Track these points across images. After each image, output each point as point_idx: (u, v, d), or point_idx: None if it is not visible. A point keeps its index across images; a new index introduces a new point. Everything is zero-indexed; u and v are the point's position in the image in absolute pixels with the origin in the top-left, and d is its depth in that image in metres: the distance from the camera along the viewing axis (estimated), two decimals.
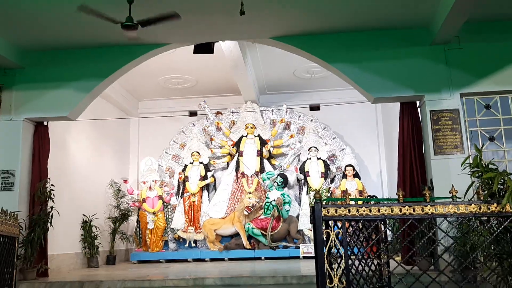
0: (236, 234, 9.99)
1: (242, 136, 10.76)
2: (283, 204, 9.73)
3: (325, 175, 10.18)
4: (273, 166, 10.71)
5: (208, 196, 10.63)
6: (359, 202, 4.14)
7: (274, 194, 9.89)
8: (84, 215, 9.12)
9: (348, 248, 3.97)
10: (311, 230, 9.42)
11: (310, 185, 10.08)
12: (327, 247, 3.91)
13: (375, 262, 4.27)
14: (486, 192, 4.08)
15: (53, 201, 7.24)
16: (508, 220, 3.89)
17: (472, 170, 4.55)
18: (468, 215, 3.96)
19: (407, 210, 3.95)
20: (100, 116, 9.76)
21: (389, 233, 7.32)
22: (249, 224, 9.79)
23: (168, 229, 10.26)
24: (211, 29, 6.99)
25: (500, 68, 6.78)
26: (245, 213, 9.83)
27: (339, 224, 3.99)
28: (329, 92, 11.37)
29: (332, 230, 3.95)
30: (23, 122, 7.27)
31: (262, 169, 10.49)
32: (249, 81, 10.04)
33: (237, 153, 10.68)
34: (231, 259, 9.69)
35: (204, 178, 10.47)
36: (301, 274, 6.35)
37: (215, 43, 7.89)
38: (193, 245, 10.17)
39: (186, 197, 10.35)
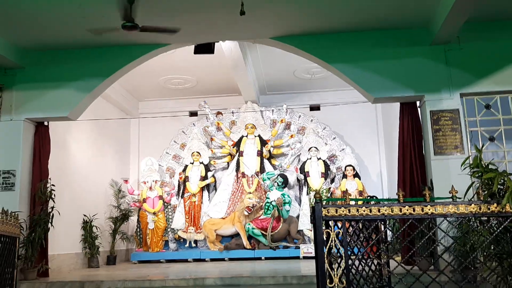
0: (237, 234, 9.99)
1: (243, 136, 10.77)
2: (283, 204, 9.73)
3: (325, 175, 10.18)
4: (273, 166, 10.71)
5: (209, 196, 10.64)
6: (359, 202, 4.14)
7: (274, 194, 9.90)
8: (84, 215, 9.12)
9: (348, 248, 3.98)
10: (311, 230, 9.42)
11: (310, 185, 10.08)
12: (327, 247, 3.91)
13: (375, 262, 4.27)
14: (486, 192, 4.08)
15: (53, 201, 7.25)
16: (508, 220, 3.89)
17: (472, 170, 4.55)
18: (468, 215, 3.96)
19: (407, 210, 3.96)
20: (100, 116, 9.77)
21: (389, 233, 7.33)
22: (249, 224, 9.80)
23: (169, 229, 10.27)
24: (211, 29, 7.00)
25: (500, 68, 6.79)
26: (246, 213, 9.83)
27: (339, 224, 3.99)
28: (329, 92, 11.37)
29: (332, 230, 3.96)
30: (23, 122, 7.28)
31: (262, 169, 10.50)
32: (250, 81, 10.04)
33: (238, 153, 10.68)
34: (231, 259, 9.69)
35: (204, 178, 10.48)
36: (301, 274, 6.36)
37: (216, 43, 7.89)
38: (194, 245, 10.18)
39: (187, 197, 10.36)
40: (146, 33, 6.40)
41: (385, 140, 11.16)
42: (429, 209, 3.94)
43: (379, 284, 4.23)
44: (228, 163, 10.95)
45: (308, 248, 9.23)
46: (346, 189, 9.73)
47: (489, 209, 3.91)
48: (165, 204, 10.35)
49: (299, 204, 10.33)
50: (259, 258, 9.59)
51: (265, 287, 6.12)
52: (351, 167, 10.00)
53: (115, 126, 10.86)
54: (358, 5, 6.39)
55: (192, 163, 10.60)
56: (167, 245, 10.26)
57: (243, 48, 8.66)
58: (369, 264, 4.18)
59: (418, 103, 7.17)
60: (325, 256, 3.88)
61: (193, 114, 11.84)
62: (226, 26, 6.88)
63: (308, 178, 10.17)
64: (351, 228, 4.10)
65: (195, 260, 9.85)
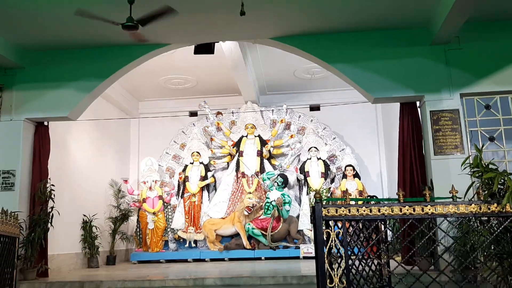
0: (236, 234, 9.99)
1: (242, 136, 10.77)
2: (283, 204, 9.73)
3: (325, 175, 10.18)
4: (273, 166, 10.71)
5: (208, 196, 10.64)
6: (360, 202, 4.14)
7: (274, 194, 9.89)
8: (84, 215, 9.12)
9: (349, 248, 3.97)
10: (311, 230, 9.42)
11: (310, 185, 10.08)
12: (327, 247, 3.91)
13: (376, 262, 4.27)
14: (486, 192, 4.08)
15: (53, 201, 7.24)
16: (508, 220, 3.89)
17: (472, 170, 4.55)
18: (468, 215, 3.96)
19: (407, 210, 3.95)
20: (100, 116, 9.77)
21: (389, 233, 7.33)
22: (249, 224, 9.79)
23: (168, 229, 10.27)
24: (211, 30, 7.00)
25: (500, 68, 6.79)
26: (245, 213, 9.83)
27: (339, 224, 3.99)
28: (329, 93, 11.37)
29: (333, 230, 3.95)
30: (23, 122, 7.28)
31: (262, 169, 10.50)
32: (249, 82, 10.04)
33: (237, 153, 10.68)
34: (231, 259, 9.69)
35: (204, 178, 10.48)
36: (301, 274, 6.36)
37: (216, 44, 7.89)
38: (193, 245, 10.18)
39: (186, 197, 10.36)
40: (147, 34, 6.38)
41: (385, 140, 11.17)
42: (429, 209, 3.94)
43: (379, 284, 4.22)
44: (228, 163, 10.94)
45: (308, 248, 9.23)
46: (346, 189, 9.73)
47: (489, 209, 3.90)
48: (165, 204, 10.34)
49: (299, 204, 10.33)
50: (259, 258, 9.59)
51: (265, 287, 6.11)
52: (351, 167, 10.00)
53: (115, 126, 10.86)
54: (358, 5, 6.39)
55: (192, 163, 10.60)
56: (167, 245, 10.26)
57: (243, 48, 8.66)
58: (369, 264, 4.18)
59: (418, 103, 7.17)
60: (325, 256, 3.88)
61: (193, 114, 11.85)
62: (226, 26, 6.88)
63: (308, 178, 10.17)
64: (351, 228, 4.10)
65: (195, 260, 9.85)
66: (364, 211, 3.97)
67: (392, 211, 3.96)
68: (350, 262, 3.93)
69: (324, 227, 3.94)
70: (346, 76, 7.14)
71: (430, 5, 6.38)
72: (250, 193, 10.10)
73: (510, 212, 3.87)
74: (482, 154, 4.53)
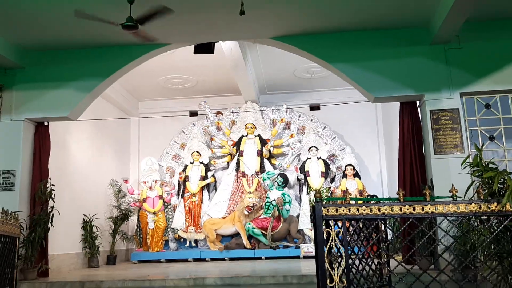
0: (237, 234, 10.00)
1: (243, 136, 10.77)
2: (284, 203, 9.74)
3: (325, 174, 10.18)
4: (274, 165, 10.72)
5: (209, 196, 10.64)
6: (360, 202, 4.14)
7: (275, 193, 9.90)
8: (84, 215, 9.12)
9: (349, 247, 3.98)
10: (311, 230, 9.42)
11: (310, 184, 10.08)
12: (328, 247, 3.92)
13: (376, 261, 4.28)
14: (486, 191, 4.08)
15: (53, 201, 7.25)
16: (508, 219, 3.89)
17: (472, 170, 4.56)
18: (468, 214, 3.96)
19: (408, 209, 3.96)
20: (100, 116, 9.77)
21: (389, 232, 7.33)
22: (249, 223, 9.80)
23: (169, 229, 10.27)
24: (211, 29, 7.00)
25: (500, 68, 6.79)
26: (246, 212, 9.84)
27: (340, 224, 3.99)
28: (329, 92, 11.37)
29: (333, 230, 3.96)
30: (23, 122, 7.28)
31: (262, 169, 10.50)
32: (249, 81, 10.04)
33: (238, 153, 10.68)
34: (231, 259, 9.69)
35: (204, 178, 10.48)
36: (302, 274, 6.36)
37: (215, 43, 7.90)
38: (194, 245, 10.18)
39: (187, 197, 10.36)
40: (150, 33, 6.38)
41: (385, 140, 11.17)
42: (429, 208, 3.94)
43: (379, 284, 4.23)
44: (228, 162, 10.95)
45: (308, 248, 9.23)
46: (346, 189, 9.73)
47: (489, 208, 3.91)
48: (165, 203, 10.35)
49: (299, 204, 10.33)
50: (259, 258, 9.59)
51: (265, 286, 6.12)
52: (351, 167, 10.00)
53: (115, 126, 10.86)
54: (358, 5, 6.39)
55: (192, 163, 10.60)
56: (167, 244, 10.26)
57: (243, 48, 8.66)
58: (370, 263, 4.18)
59: (418, 102, 7.17)
60: (326, 255, 3.89)
61: (193, 114, 11.86)
62: (226, 26, 6.88)
63: (308, 178, 10.17)
64: (351, 228, 4.11)
65: (195, 259, 9.85)
66: (364, 210, 3.98)
67: (392, 211, 3.97)
68: (350, 261, 3.93)
69: (324, 227, 3.94)
70: (346, 75, 7.14)
71: (430, 4, 6.38)
72: (250, 192, 10.10)
73: (510, 211, 3.87)
74: (482, 153, 4.53)
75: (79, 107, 7.44)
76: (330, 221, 3.98)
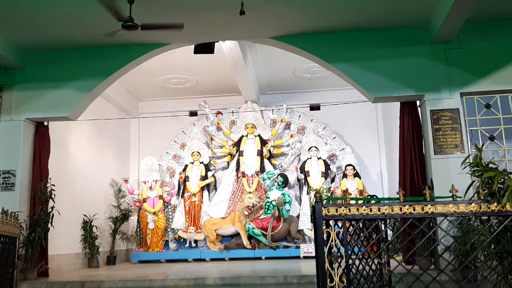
0: (237, 234, 9.99)
1: (243, 136, 10.77)
2: (284, 204, 9.74)
3: (325, 174, 10.18)
4: (274, 166, 10.71)
5: (209, 196, 10.64)
6: (360, 202, 4.14)
7: (275, 194, 9.90)
8: (84, 215, 9.12)
9: (349, 247, 3.97)
10: (311, 230, 9.42)
11: (311, 184, 10.08)
12: (328, 247, 3.91)
13: (376, 261, 4.27)
14: (486, 191, 4.08)
15: (53, 201, 7.25)
16: (508, 219, 3.89)
17: (472, 170, 4.55)
18: (468, 214, 3.96)
19: (408, 209, 3.95)
20: (100, 116, 9.77)
21: (389, 232, 7.32)
22: (249, 224, 9.80)
23: (169, 229, 10.27)
24: (211, 29, 7.00)
25: (500, 67, 6.79)
26: (246, 213, 9.83)
27: (340, 224, 3.99)
28: (329, 92, 11.37)
29: (333, 230, 3.95)
30: (23, 122, 7.28)
31: (262, 169, 10.50)
32: (249, 81, 10.04)
33: (238, 153, 10.68)
34: (231, 259, 9.69)
35: (204, 178, 10.48)
36: (302, 274, 6.36)
37: (215, 43, 7.89)
38: (194, 245, 10.18)
39: (187, 197, 10.36)
40: (146, 33, 6.39)
41: (385, 140, 11.16)
42: (429, 208, 3.94)
43: (379, 284, 4.22)
44: (228, 162, 10.95)
45: (308, 248, 9.23)
46: (347, 189, 9.73)
47: (489, 208, 3.91)
48: (165, 204, 10.35)
49: (299, 204, 10.33)
50: (260, 258, 9.59)
51: (265, 286, 6.12)
52: (351, 167, 10.00)
53: (115, 126, 10.86)
54: (358, 5, 6.39)
55: (192, 163, 10.60)
56: (167, 245, 10.26)
57: (243, 48, 8.66)
58: (370, 263, 4.18)
59: (418, 102, 7.17)
60: (326, 255, 3.88)
61: (193, 114, 11.86)
62: (226, 26, 6.88)
63: (308, 178, 10.17)
64: (351, 228, 4.10)
65: (195, 260, 9.85)
66: (364, 210, 3.97)
67: (392, 211, 3.96)
68: (350, 261, 3.93)
69: (324, 227, 3.94)
70: (346, 75, 7.14)
71: (430, 4, 6.38)
72: (250, 192, 10.10)
73: (510, 211, 3.86)
74: (482, 153, 4.53)
75: (79, 107, 7.44)
76: (330, 221, 3.97)
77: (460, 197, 4.11)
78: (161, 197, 10.18)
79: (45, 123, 7.56)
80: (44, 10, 6.23)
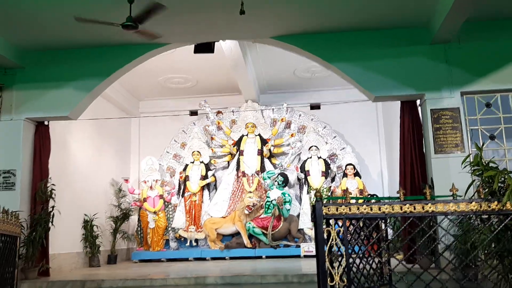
0: (237, 233, 10.00)
1: (243, 135, 10.77)
2: (284, 203, 9.74)
3: (325, 174, 10.19)
4: (274, 165, 10.72)
5: (209, 195, 10.65)
6: (360, 201, 4.14)
7: (275, 193, 9.90)
8: (85, 214, 9.13)
9: (349, 246, 3.98)
10: (311, 229, 9.43)
11: (311, 184, 10.09)
12: (328, 246, 3.92)
13: (376, 260, 4.28)
14: (486, 190, 4.08)
15: (54, 200, 7.26)
16: (509, 218, 3.89)
17: (472, 169, 4.55)
18: (468, 213, 3.96)
19: (408, 208, 3.96)
20: (100, 116, 9.77)
21: (389, 231, 7.33)
22: (250, 223, 9.80)
23: (169, 228, 10.28)
24: (211, 29, 6.99)
25: (500, 67, 6.79)
26: (246, 212, 9.84)
27: (340, 223, 3.99)
28: (329, 91, 11.36)
29: (333, 229, 3.96)
30: (24, 122, 7.28)
31: (262, 168, 10.50)
32: (250, 81, 10.04)
33: (238, 152, 10.69)
34: (232, 258, 9.70)
35: (205, 177, 10.49)
36: (302, 273, 6.36)
37: (216, 43, 7.89)
38: (194, 244, 10.19)
39: (187, 196, 10.37)
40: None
41: (385, 139, 11.16)
42: (430, 207, 3.95)
43: (380, 282, 4.23)
44: (228, 162, 10.95)
45: (308, 247, 9.24)
46: (347, 188, 9.72)
47: (489, 207, 3.91)
48: (166, 203, 10.36)
49: (300, 203, 10.34)
50: (260, 257, 9.60)
51: (266, 285, 6.12)
52: (352, 166, 10.00)
53: (115, 125, 10.86)
54: (358, 5, 6.39)
55: (193, 162, 10.60)
56: (167, 244, 10.27)
57: (243, 47, 8.66)
58: (370, 262, 4.19)
59: (418, 101, 7.17)
60: (326, 254, 3.89)
61: (194, 113, 11.86)
62: (226, 25, 6.88)
63: (308, 177, 10.18)
64: (351, 227, 4.11)
65: (196, 259, 9.86)
66: (364, 209, 3.98)
67: (393, 209, 3.97)
68: (350, 260, 3.94)
69: (324, 226, 3.94)
70: (346, 75, 7.14)
71: (429, 4, 6.38)
72: (250, 192, 10.11)
73: (511, 210, 3.87)
74: (482, 152, 4.53)
75: (79, 106, 7.45)
76: (331, 220, 3.98)
77: (460, 196, 4.12)
78: (161, 196, 10.19)
79: (46, 123, 7.56)
80: (44, 10, 6.23)
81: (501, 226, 3.93)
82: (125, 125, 11.73)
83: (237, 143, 10.75)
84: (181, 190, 10.52)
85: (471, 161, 4.56)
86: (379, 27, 7.08)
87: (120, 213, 10.24)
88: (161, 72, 10.28)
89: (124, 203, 10.44)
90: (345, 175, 10.02)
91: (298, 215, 10.08)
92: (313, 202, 3.99)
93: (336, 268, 3.88)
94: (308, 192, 10.10)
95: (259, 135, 10.75)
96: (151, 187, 10.22)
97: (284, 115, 10.98)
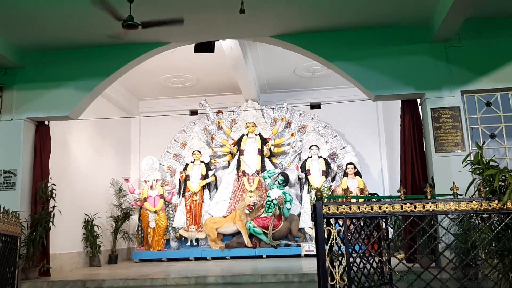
0: (238, 233, 10.00)
1: (243, 135, 10.77)
2: (284, 202, 9.74)
3: (326, 173, 10.19)
4: (274, 164, 10.72)
5: (210, 195, 10.65)
6: (361, 200, 4.14)
7: (275, 192, 9.90)
8: (86, 214, 9.14)
9: (350, 245, 3.98)
10: (312, 229, 9.42)
11: (311, 183, 10.09)
12: (329, 245, 3.92)
13: (377, 259, 4.28)
14: (487, 189, 4.08)
15: (54, 200, 7.26)
16: (509, 217, 3.89)
17: (473, 167, 4.55)
18: (469, 212, 3.96)
19: (409, 207, 3.96)
20: (101, 116, 9.77)
21: (390, 230, 7.33)
22: (250, 222, 9.80)
23: (170, 228, 10.29)
24: (211, 28, 6.99)
25: (501, 65, 6.78)
26: (246, 211, 9.84)
27: (340, 222, 3.99)
28: (329, 90, 11.37)
29: (334, 228, 3.96)
30: (24, 122, 7.29)
31: (263, 168, 10.50)
32: (250, 80, 10.04)
33: (238, 152, 10.69)
34: (232, 258, 9.70)
35: (205, 177, 10.49)
36: (303, 272, 6.36)
37: (216, 42, 7.89)
38: (195, 243, 10.19)
39: (188, 196, 10.37)
40: (146, 32, 6.39)
41: (386, 138, 11.16)
42: (430, 206, 3.95)
43: (380, 282, 4.23)
44: (228, 161, 10.95)
45: (309, 246, 9.24)
46: (347, 187, 9.72)
47: (490, 206, 3.91)
48: (166, 203, 10.36)
49: (300, 202, 10.34)
50: (261, 256, 9.60)
51: (266, 285, 6.12)
52: (352, 165, 10.00)
53: (115, 125, 10.86)
54: (358, 4, 6.39)
55: (193, 162, 10.60)
56: (168, 243, 10.28)
57: (243, 47, 8.66)
58: (371, 261, 4.19)
59: (419, 100, 7.16)
60: (327, 254, 3.89)
61: (194, 113, 11.87)
62: (226, 25, 6.87)
63: (309, 177, 10.17)
64: (352, 226, 4.11)
65: (197, 258, 9.86)
66: (365, 208, 3.98)
67: (393, 209, 3.97)
68: (351, 259, 3.93)
69: (325, 225, 3.94)
70: (347, 74, 7.14)
71: (430, 3, 6.37)
72: (251, 191, 10.11)
73: (511, 209, 3.87)
74: (483, 151, 4.53)
75: (80, 106, 7.45)
76: (331, 220, 3.98)
77: (461, 195, 4.12)
78: (162, 196, 10.19)
79: (46, 123, 7.56)
80: (44, 10, 6.23)
81: (501, 225, 3.93)
82: (126, 124, 11.73)
83: (238, 143, 10.75)
84: (182, 190, 10.52)
85: (472, 160, 4.56)
86: (379, 26, 7.07)
87: (121, 213, 10.24)
88: (161, 71, 10.28)
89: (124, 203, 10.44)
90: (345, 174, 10.02)
91: (299, 215, 10.08)
92: (314, 201, 3.99)
93: (336, 267, 3.88)
94: (308, 192, 10.10)
95: (260, 134, 10.75)
96: (151, 187, 10.22)
97: (284, 115, 10.98)
